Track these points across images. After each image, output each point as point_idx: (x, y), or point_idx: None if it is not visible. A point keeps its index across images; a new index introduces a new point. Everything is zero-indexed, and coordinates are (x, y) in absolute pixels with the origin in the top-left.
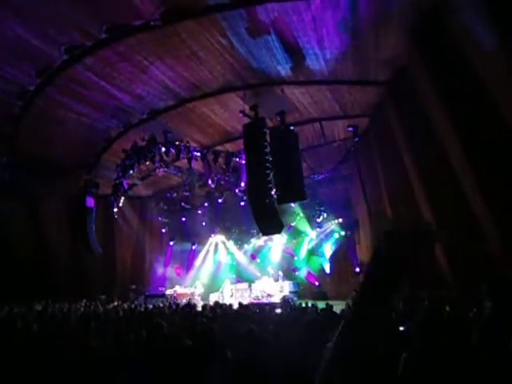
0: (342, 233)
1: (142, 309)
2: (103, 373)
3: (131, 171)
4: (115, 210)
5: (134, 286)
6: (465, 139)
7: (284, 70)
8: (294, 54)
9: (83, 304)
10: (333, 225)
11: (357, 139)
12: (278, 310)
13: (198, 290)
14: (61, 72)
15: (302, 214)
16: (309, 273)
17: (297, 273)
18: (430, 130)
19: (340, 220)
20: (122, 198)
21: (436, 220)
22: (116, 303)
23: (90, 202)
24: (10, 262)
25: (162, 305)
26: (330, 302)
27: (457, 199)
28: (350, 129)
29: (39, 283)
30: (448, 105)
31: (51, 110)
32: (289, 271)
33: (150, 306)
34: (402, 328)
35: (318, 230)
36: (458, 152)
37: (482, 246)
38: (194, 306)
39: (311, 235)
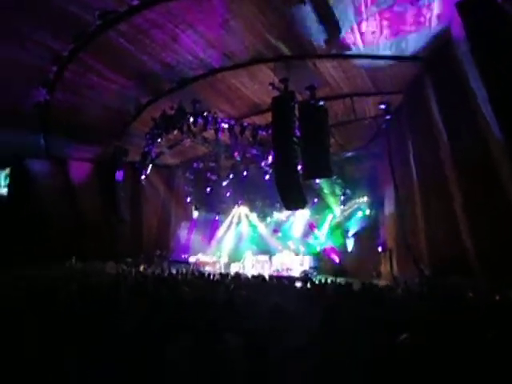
0: (367, 211)
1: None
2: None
3: (159, 140)
4: (143, 177)
5: (158, 252)
6: (504, 121)
7: (317, 42)
8: (329, 25)
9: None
10: (357, 203)
11: (389, 117)
12: (298, 284)
13: (221, 259)
14: (94, 38)
15: (326, 191)
16: (330, 248)
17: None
18: (470, 113)
19: (365, 198)
20: (150, 165)
21: (467, 208)
22: (142, 267)
23: (120, 175)
24: (46, 226)
25: (185, 270)
26: (350, 280)
27: (492, 188)
28: (383, 106)
29: (73, 246)
30: (490, 83)
31: (83, 76)
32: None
33: (174, 271)
34: None
35: (342, 207)
36: (496, 137)
37: None
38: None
39: (335, 212)
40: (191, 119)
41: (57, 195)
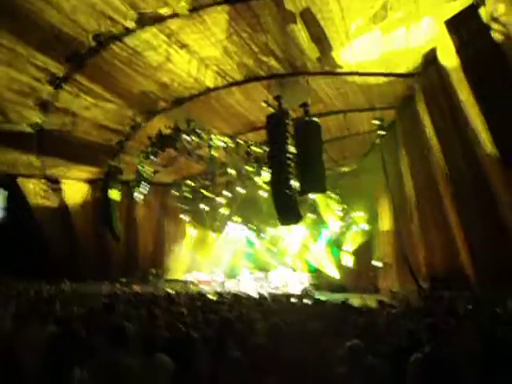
0: (363, 226)
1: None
2: None
3: (154, 158)
4: (139, 195)
5: (154, 271)
6: (495, 135)
7: (310, 60)
8: (321, 43)
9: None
10: (353, 218)
11: (382, 132)
12: (295, 301)
13: (219, 277)
14: (89, 59)
15: (322, 206)
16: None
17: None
18: (461, 127)
19: (361, 213)
20: (146, 184)
21: (462, 221)
22: (136, 286)
23: (114, 194)
24: (40, 246)
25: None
26: (349, 295)
27: (484, 200)
28: (376, 121)
29: (67, 266)
30: (480, 100)
31: (78, 96)
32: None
33: (170, 291)
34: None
35: (338, 222)
36: (487, 149)
37: (507, 248)
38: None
39: (331, 227)
40: (186, 137)
41: (51, 215)
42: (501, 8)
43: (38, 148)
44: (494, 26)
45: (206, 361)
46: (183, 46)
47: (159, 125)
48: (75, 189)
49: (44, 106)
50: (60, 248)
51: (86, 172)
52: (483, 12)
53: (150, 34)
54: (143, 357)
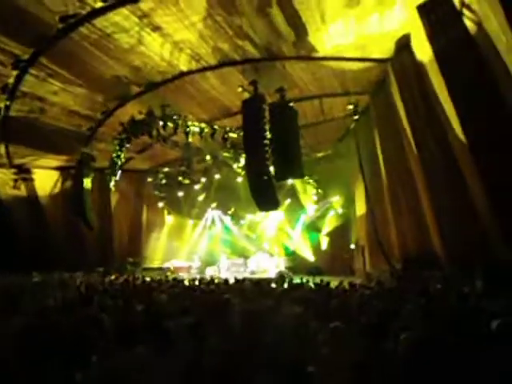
0: (339, 210)
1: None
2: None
3: (128, 145)
4: (112, 183)
5: (131, 259)
6: (465, 121)
7: (285, 44)
8: (296, 28)
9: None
10: (330, 202)
11: (356, 117)
12: (274, 285)
13: (196, 263)
14: (56, 41)
15: (299, 191)
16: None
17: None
18: (432, 111)
19: (337, 197)
20: (119, 171)
21: (433, 203)
22: (113, 276)
23: (87, 182)
24: (8, 235)
25: (159, 277)
26: (325, 278)
27: (455, 183)
28: (350, 106)
29: (37, 255)
30: (451, 86)
31: (46, 81)
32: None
33: (147, 279)
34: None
35: (315, 206)
36: (458, 134)
37: (477, 229)
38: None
39: (308, 211)
40: (161, 123)
41: (21, 204)
42: None
43: (3, 136)
44: (466, 12)
45: (186, 349)
46: (156, 28)
47: (132, 110)
48: (46, 177)
49: (9, 91)
50: (31, 238)
51: (57, 160)
52: None
53: (120, 16)
54: (121, 350)
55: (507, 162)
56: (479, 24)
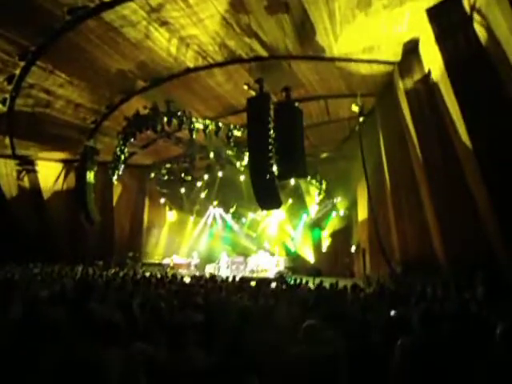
0: (341, 212)
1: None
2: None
3: (132, 139)
4: (115, 177)
5: (131, 254)
6: (471, 126)
7: (292, 44)
8: (304, 28)
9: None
10: (332, 203)
11: (361, 119)
12: (273, 285)
13: (195, 260)
14: (63, 33)
15: (301, 191)
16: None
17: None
18: (438, 116)
19: (340, 199)
20: (122, 166)
21: (436, 209)
22: (113, 270)
23: (90, 175)
24: (10, 227)
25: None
26: (324, 279)
27: (459, 189)
28: (356, 108)
29: (38, 248)
30: (458, 89)
31: (52, 73)
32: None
33: (147, 274)
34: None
35: (317, 207)
36: (463, 138)
37: (479, 234)
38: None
39: (310, 212)
40: (165, 119)
41: (23, 196)
42: None
43: (9, 127)
44: (476, 16)
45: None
46: (163, 23)
47: (137, 105)
48: (49, 169)
49: (16, 82)
50: (32, 229)
51: (61, 152)
52: (466, 2)
53: (128, 10)
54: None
55: (510, 167)
56: (489, 28)
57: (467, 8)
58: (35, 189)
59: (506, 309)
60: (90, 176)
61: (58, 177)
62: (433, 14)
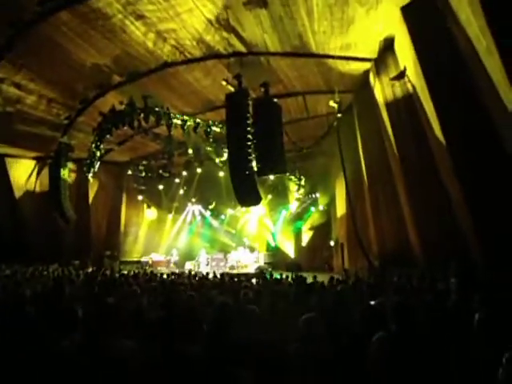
0: (320, 207)
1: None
2: None
3: (108, 135)
4: (90, 174)
5: (108, 252)
6: (444, 121)
7: (271, 39)
8: (283, 23)
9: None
10: (311, 199)
11: (339, 115)
12: (254, 280)
13: (174, 257)
14: (33, 25)
15: (281, 187)
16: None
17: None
18: (413, 110)
19: (318, 194)
20: (98, 162)
21: (411, 202)
22: (90, 269)
23: (65, 173)
24: None
25: (137, 271)
26: (304, 274)
27: (433, 183)
28: (333, 104)
29: (10, 248)
30: (431, 85)
31: (23, 67)
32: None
33: (125, 273)
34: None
35: (296, 203)
36: (437, 135)
37: (454, 227)
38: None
39: (290, 208)
40: (142, 115)
41: None
42: None
43: None
44: (449, 15)
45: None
46: (139, 16)
47: (113, 100)
48: (22, 167)
49: None
50: (4, 230)
51: (34, 149)
52: (439, 1)
53: (103, 2)
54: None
55: (483, 162)
56: (461, 27)
57: (441, 6)
58: (7, 187)
59: (479, 299)
60: (65, 173)
61: (31, 174)
62: (407, 12)
